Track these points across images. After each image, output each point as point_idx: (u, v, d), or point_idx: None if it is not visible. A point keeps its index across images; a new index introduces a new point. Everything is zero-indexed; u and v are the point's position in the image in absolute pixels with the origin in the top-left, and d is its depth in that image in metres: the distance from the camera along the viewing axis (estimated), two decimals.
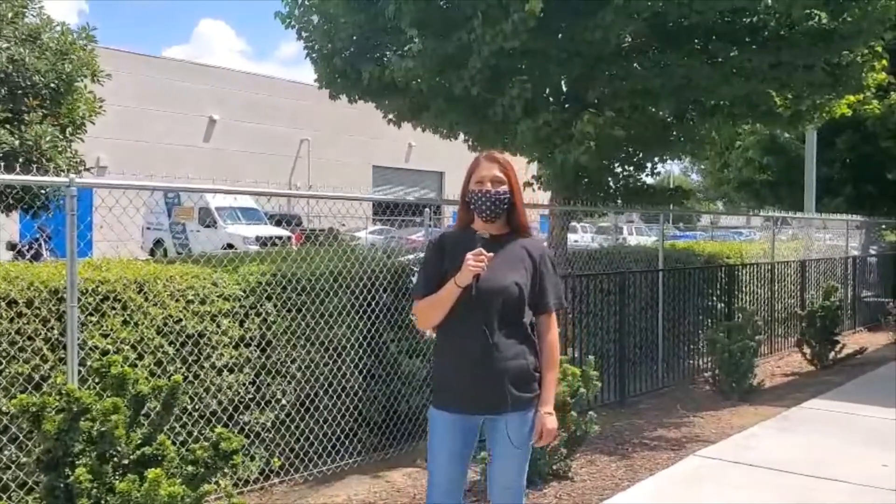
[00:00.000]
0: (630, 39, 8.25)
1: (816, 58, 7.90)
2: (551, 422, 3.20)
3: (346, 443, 5.86)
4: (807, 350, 9.95)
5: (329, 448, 5.71)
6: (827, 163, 16.96)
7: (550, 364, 3.24)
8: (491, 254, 3.05)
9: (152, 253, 22.27)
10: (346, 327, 5.87)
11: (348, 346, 5.88)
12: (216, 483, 3.61)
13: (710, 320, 9.45)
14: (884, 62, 8.83)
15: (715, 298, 9.74)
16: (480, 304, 3.07)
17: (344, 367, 5.84)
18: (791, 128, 10.80)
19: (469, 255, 3.01)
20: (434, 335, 3.31)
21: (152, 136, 28.63)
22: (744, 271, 10.38)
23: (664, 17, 7.36)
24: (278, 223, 20.57)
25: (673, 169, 53.72)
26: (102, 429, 3.21)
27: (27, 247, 13.57)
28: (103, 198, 4.64)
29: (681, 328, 9.12)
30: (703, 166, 24.09)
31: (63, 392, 3.28)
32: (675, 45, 7.93)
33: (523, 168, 9.81)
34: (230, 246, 19.70)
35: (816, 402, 7.79)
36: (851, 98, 9.69)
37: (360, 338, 5.96)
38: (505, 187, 3.19)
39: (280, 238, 19.30)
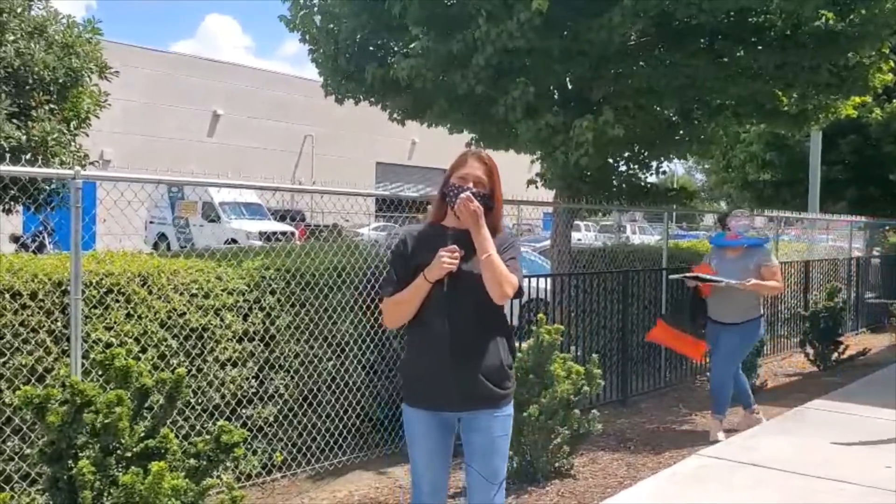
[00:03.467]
0: (635, 38, 8.24)
1: (822, 59, 7.89)
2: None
3: (349, 438, 5.86)
4: (809, 351, 9.94)
5: (331, 443, 5.72)
6: (830, 164, 16.94)
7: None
8: (462, 251, 3.00)
9: (156, 247, 22.29)
10: (349, 322, 5.88)
11: (351, 341, 5.89)
12: (218, 477, 3.62)
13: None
14: (891, 63, 8.80)
15: None
16: (453, 299, 3.05)
17: (347, 363, 5.85)
18: (796, 128, 10.77)
19: (443, 252, 2.98)
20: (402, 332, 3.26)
21: (156, 131, 28.67)
22: None
23: (670, 16, 7.35)
24: (282, 219, 20.58)
25: (677, 168, 53.64)
26: (106, 421, 3.21)
27: (30, 240, 13.62)
28: (108, 190, 4.63)
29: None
30: (706, 166, 24.04)
31: (67, 384, 3.28)
32: (681, 45, 7.92)
33: (526, 167, 9.81)
34: (234, 241, 19.73)
35: (819, 403, 7.77)
36: (857, 99, 9.67)
37: (363, 333, 5.96)
38: (485, 191, 3.14)
39: (283, 233, 19.31)
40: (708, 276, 6.60)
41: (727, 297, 6.57)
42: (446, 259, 2.97)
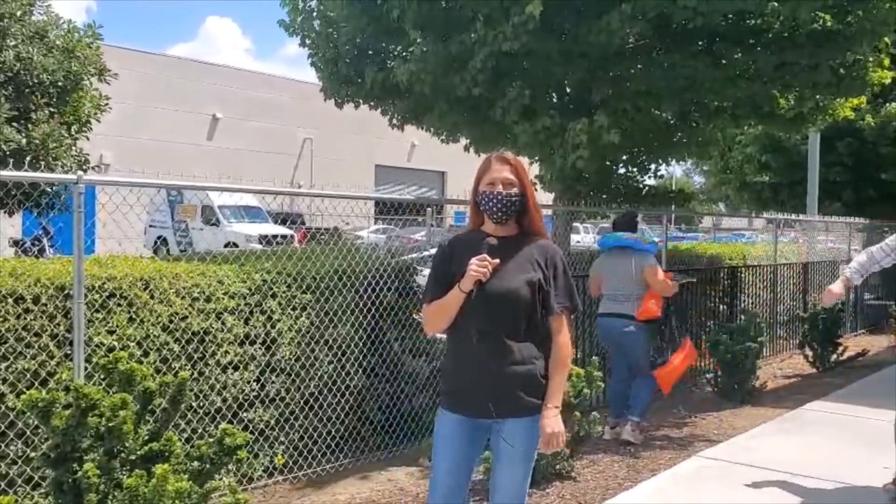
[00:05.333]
0: (634, 41, 8.27)
1: (820, 59, 7.92)
2: (556, 422, 3.09)
3: (350, 441, 5.88)
4: (809, 352, 9.96)
5: (333, 446, 5.73)
6: (828, 166, 17.00)
7: (558, 366, 3.16)
8: (497, 260, 3.01)
9: (156, 251, 22.31)
10: (350, 326, 5.90)
11: (352, 344, 5.91)
12: (220, 480, 3.64)
13: (712, 322, 9.46)
14: (886, 61, 8.85)
15: (717, 300, 9.74)
16: (486, 309, 3.05)
17: (348, 366, 5.87)
18: (793, 130, 10.82)
19: (473, 261, 2.99)
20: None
21: (155, 134, 28.65)
22: (746, 273, 10.39)
23: (668, 18, 7.38)
24: (283, 222, 20.60)
25: (675, 170, 53.69)
26: (110, 424, 3.23)
27: (30, 244, 13.64)
28: (111, 195, 4.65)
29: (683, 330, 9.12)
30: (705, 168, 24.10)
31: (71, 388, 3.30)
32: (679, 47, 7.96)
33: (526, 168, 9.82)
34: (234, 244, 19.74)
35: (818, 405, 7.80)
36: (854, 101, 9.70)
37: (364, 336, 5.98)
38: (516, 189, 3.14)
39: (284, 236, 19.31)
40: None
41: None
42: (474, 268, 2.98)
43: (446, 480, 3.20)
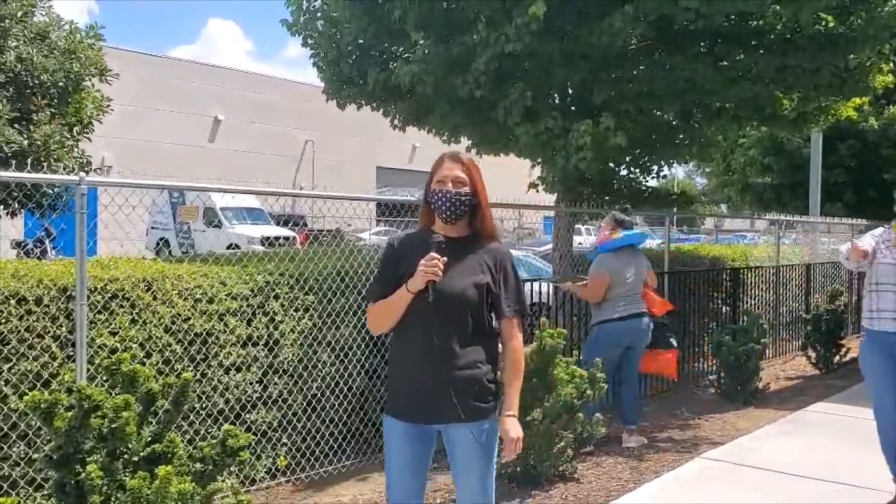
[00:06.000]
0: (636, 42, 8.26)
1: (823, 62, 7.91)
2: (515, 429, 3.05)
3: (353, 442, 5.87)
4: (811, 354, 9.95)
5: (335, 448, 5.73)
6: (830, 168, 17.01)
7: (514, 372, 3.12)
8: (445, 258, 2.91)
9: (158, 253, 22.31)
10: (353, 327, 5.89)
11: (354, 345, 5.90)
12: (223, 481, 3.63)
13: (715, 323, 9.45)
14: (891, 65, 8.83)
15: (720, 301, 9.73)
16: (435, 310, 2.94)
17: (350, 367, 5.86)
18: (796, 130, 10.80)
19: (422, 262, 2.89)
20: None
21: (157, 136, 28.69)
22: (749, 274, 10.38)
23: (670, 20, 7.37)
24: (285, 224, 20.61)
25: (678, 172, 53.65)
26: (113, 426, 3.22)
27: (32, 245, 13.65)
28: (113, 196, 4.65)
29: (686, 331, 9.12)
30: (707, 169, 24.09)
31: (74, 389, 3.30)
32: (681, 48, 7.94)
33: (526, 171, 9.82)
34: (236, 246, 19.75)
35: (821, 406, 7.78)
36: (857, 101, 9.69)
37: (367, 337, 5.97)
38: (467, 189, 3.06)
39: (286, 238, 19.30)
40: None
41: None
42: (424, 268, 2.88)
43: (398, 488, 3.17)
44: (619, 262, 6.47)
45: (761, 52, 7.98)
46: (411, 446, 3.11)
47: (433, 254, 2.89)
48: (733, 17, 7.76)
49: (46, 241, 14.08)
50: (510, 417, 3.07)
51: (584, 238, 26.83)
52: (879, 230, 4.90)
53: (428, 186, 3.13)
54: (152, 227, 23.79)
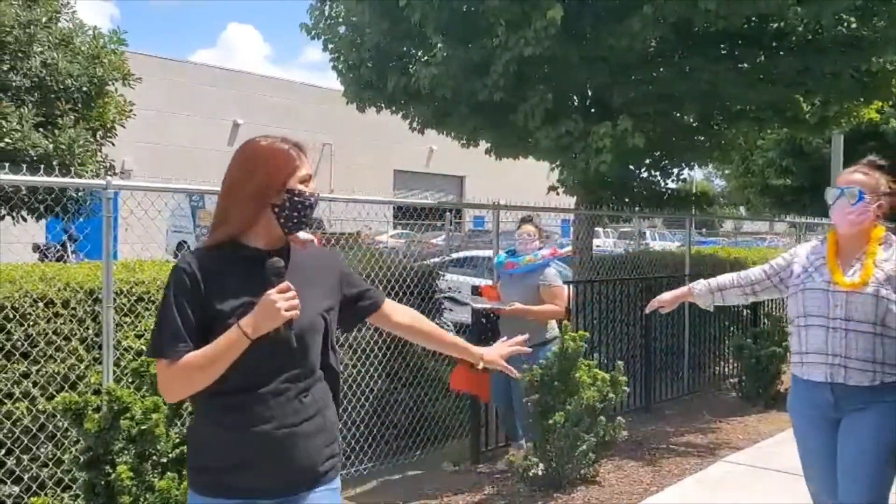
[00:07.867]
0: (655, 45, 8.25)
1: (844, 64, 7.86)
2: (491, 351, 2.68)
3: (374, 446, 5.89)
4: None
5: (357, 450, 5.74)
6: None
7: (432, 325, 2.71)
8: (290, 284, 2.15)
9: (177, 256, 22.44)
10: (373, 329, 5.91)
11: (375, 347, 5.92)
12: None
13: (736, 326, 9.40)
14: None
15: (741, 304, 9.67)
16: (288, 349, 2.18)
17: (372, 370, 5.88)
18: (818, 133, 10.73)
19: (276, 296, 2.09)
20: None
21: (177, 140, 28.90)
22: None
23: (690, 22, 7.35)
24: None
25: (696, 174, 53.33)
26: (142, 427, 3.26)
27: (54, 249, 13.76)
28: (139, 200, 4.70)
29: (707, 334, 9.09)
30: (726, 171, 23.99)
31: (104, 391, 3.34)
32: (701, 51, 7.92)
33: (546, 173, 9.82)
34: None
35: None
36: (879, 103, 9.61)
37: (388, 340, 5.99)
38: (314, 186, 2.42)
39: (304, 241, 19.37)
40: (482, 305, 5.92)
41: (514, 319, 5.62)
42: (286, 306, 2.10)
43: None
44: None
45: (781, 53, 7.95)
46: None
47: (284, 283, 2.13)
48: (753, 18, 7.73)
49: (68, 245, 14.19)
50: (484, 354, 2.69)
51: (602, 241, 26.79)
52: (810, 244, 3.65)
53: (273, 186, 2.30)
54: (173, 230, 23.97)
